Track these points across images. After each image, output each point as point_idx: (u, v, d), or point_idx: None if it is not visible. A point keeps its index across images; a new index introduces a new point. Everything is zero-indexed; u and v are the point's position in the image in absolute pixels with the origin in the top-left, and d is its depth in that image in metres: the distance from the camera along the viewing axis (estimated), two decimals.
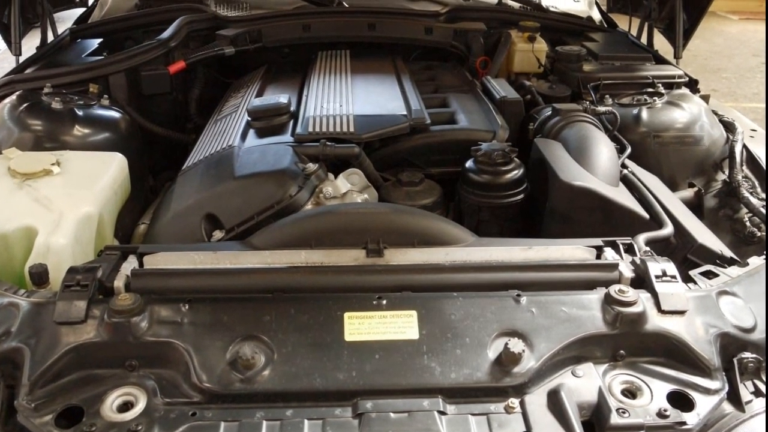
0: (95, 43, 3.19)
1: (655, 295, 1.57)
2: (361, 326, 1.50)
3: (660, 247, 1.90)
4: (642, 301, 1.54)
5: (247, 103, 2.68)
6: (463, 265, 1.71)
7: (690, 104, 2.70)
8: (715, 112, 2.77)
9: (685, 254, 1.97)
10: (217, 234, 2.06)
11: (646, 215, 2.04)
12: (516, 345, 1.43)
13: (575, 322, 1.52)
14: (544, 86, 3.05)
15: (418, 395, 1.40)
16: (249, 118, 2.50)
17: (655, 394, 1.42)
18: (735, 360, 1.49)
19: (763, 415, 1.43)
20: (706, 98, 2.91)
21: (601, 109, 2.60)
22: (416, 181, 2.28)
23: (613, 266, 1.69)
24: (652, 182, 2.27)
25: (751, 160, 2.50)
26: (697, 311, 1.56)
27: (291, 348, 1.46)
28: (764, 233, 2.23)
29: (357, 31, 3.38)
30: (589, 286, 1.64)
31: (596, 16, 3.96)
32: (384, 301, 1.55)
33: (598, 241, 1.79)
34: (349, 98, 2.63)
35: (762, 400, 1.46)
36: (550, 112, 2.55)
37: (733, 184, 2.37)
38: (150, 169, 2.86)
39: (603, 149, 2.26)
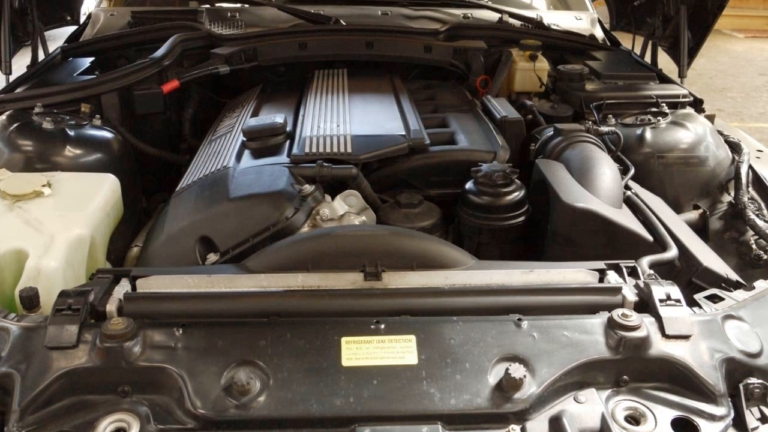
0: (87, 61, 3.21)
1: (659, 320, 1.58)
2: (359, 351, 1.52)
3: (664, 271, 1.92)
4: (646, 325, 1.55)
5: (242, 123, 2.70)
6: (463, 289, 1.73)
7: (695, 124, 2.73)
8: (720, 133, 2.80)
9: (690, 277, 1.98)
10: (212, 257, 2.07)
11: (650, 238, 2.06)
12: (517, 370, 1.44)
13: (577, 346, 1.54)
14: (546, 106, 3.06)
15: (417, 422, 1.41)
16: (244, 139, 2.51)
17: (659, 421, 1.44)
18: (741, 386, 1.51)
19: None
20: (711, 118, 2.93)
21: (604, 129, 2.63)
22: (415, 203, 2.29)
23: (616, 290, 1.70)
24: (656, 204, 2.29)
25: (757, 181, 2.53)
26: (702, 336, 1.58)
27: (287, 373, 1.48)
28: None
29: (354, 50, 3.41)
30: (592, 310, 1.66)
31: (599, 34, 4.00)
32: (382, 326, 1.57)
33: (601, 264, 1.81)
34: (347, 118, 2.65)
35: None
36: (551, 133, 2.58)
37: (739, 206, 2.39)
38: (143, 191, 2.87)
39: (606, 170, 2.28)
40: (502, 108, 2.83)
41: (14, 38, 3.19)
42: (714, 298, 1.77)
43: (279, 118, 2.55)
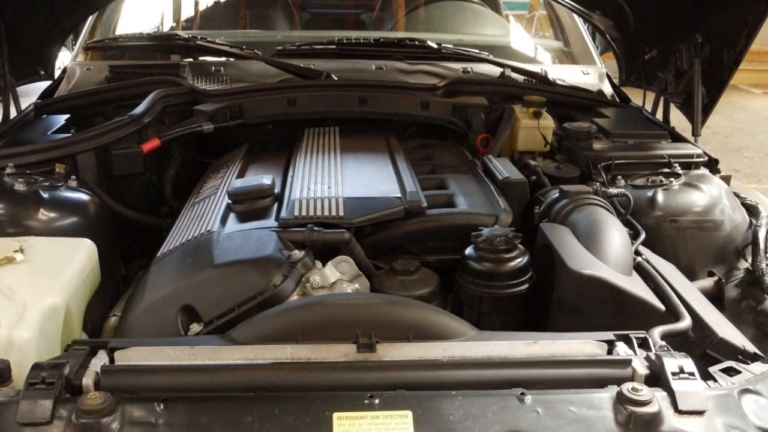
0: (62, 119, 3.26)
1: (671, 394, 1.60)
2: (352, 427, 1.54)
3: (677, 342, 1.94)
4: (657, 400, 1.57)
5: (228, 184, 2.74)
6: (463, 361, 1.76)
7: (709, 186, 2.76)
8: (736, 195, 2.83)
9: (704, 349, 2.01)
10: (195, 327, 2.09)
11: (662, 307, 2.08)
12: None
13: (585, 423, 1.56)
14: (551, 166, 3.09)
15: None
16: (229, 201, 2.56)
17: None
18: None
19: None
20: (727, 179, 2.97)
21: (613, 191, 2.67)
22: (411, 270, 2.32)
23: (626, 362, 1.73)
24: (669, 271, 2.32)
25: None
26: (717, 411, 1.60)
27: None
28: None
29: (347, 106, 3.45)
30: (600, 383, 1.68)
31: (608, 89, 4.05)
32: (376, 401, 1.58)
33: (610, 335, 1.84)
34: (339, 179, 2.70)
35: None
36: (557, 195, 2.62)
37: (757, 273, 2.42)
38: (122, 257, 2.90)
39: (615, 235, 2.32)
40: (504, 168, 2.86)
41: None
42: (730, 371, 1.79)
43: (266, 180, 2.60)
